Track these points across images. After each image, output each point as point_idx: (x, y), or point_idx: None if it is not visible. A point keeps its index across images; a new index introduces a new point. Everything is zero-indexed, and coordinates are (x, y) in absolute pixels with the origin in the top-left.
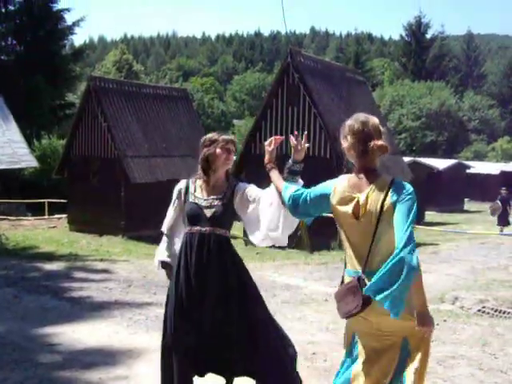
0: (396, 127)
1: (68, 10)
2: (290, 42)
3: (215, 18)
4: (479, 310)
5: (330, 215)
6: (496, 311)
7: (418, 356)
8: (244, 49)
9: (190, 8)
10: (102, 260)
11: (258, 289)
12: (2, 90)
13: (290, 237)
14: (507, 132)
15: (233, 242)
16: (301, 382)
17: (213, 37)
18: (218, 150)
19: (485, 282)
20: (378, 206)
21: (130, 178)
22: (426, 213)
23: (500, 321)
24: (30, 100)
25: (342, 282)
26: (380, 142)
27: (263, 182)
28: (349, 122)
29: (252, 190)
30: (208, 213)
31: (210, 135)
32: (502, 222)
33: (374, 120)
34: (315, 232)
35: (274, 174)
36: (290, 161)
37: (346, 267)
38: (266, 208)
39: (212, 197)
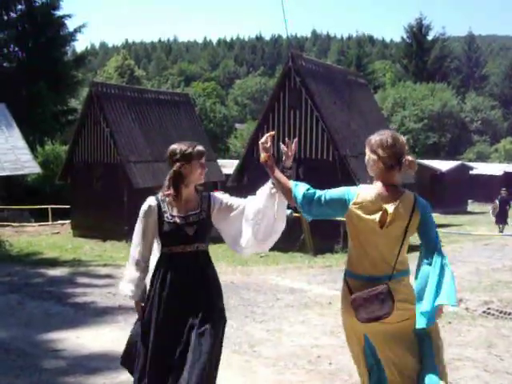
0: (398, 129)
1: (69, 16)
2: (291, 46)
3: (216, 23)
4: (484, 312)
5: (338, 219)
6: (501, 313)
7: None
8: (245, 53)
9: (190, 13)
10: (105, 265)
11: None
12: (5, 97)
13: (293, 240)
14: (510, 133)
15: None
16: None
17: (214, 41)
18: (194, 166)
19: (489, 284)
20: (407, 218)
21: (132, 183)
22: None
23: (505, 322)
24: (32, 106)
25: (347, 285)
26: (411, 158)
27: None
28: (379, 137)
29: (230, 199)
30: (190, 231)
31: (180, 147)
32: (500, 221)
33: (403, 138)
34: (318, 235)
35: (277, 170)
36: (280, 168)
37: (349, 270)
38: (256, 216)
39: (189, 213)
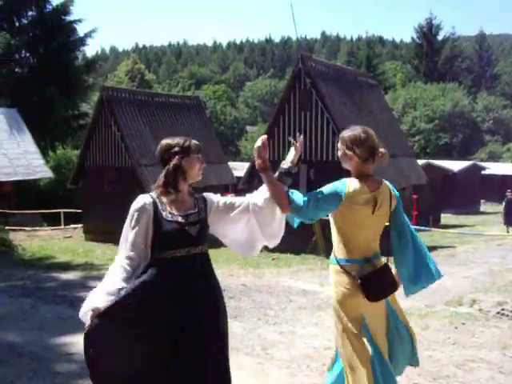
0: (409, 130)
1: (80, 21)
2: (300, 48)
3: (226, 26)
4: (498, 313)
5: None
6: None
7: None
8: (255, 55)
9: (200, 16)
10: None
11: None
12: (17, 102)
13: (305, 242)
14: None
15: None
16: None
17: (224, 44)
18: (193, 160)
19: (503, 284)
20: (389, 203)
21: (144, 187)
22: (442, 215)
23: None
24: (44, 111)
25: (346, 271)
26: (383, 150)
27: None
28: (353, 133)
29: (226, 198)
30: (193, 231)
31: (176, 140)
32: (507, 222)
33: (373, 131)
34: (330, 237)
35: (272, 175)
36: (289, 163)
37: (344, 258)
38: (263, 214)
39: (189, 212)
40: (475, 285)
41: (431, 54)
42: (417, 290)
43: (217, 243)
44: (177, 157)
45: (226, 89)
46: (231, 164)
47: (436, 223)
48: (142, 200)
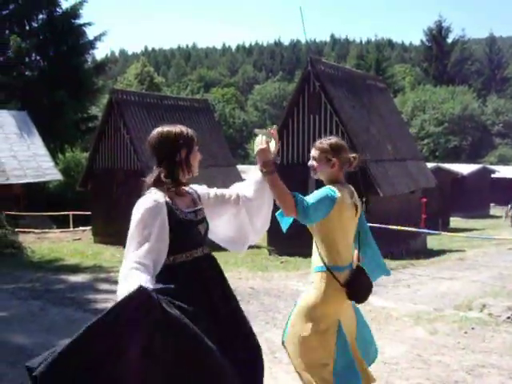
0: (418, 133)
1: (89, 24)
2: (310, 51)
3: (235, 29)
4: (508, 318)
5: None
6: None
7: None
8: (264, 58)
9: (209, 19)
10: None
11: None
12: (27, 105)
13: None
14: None
15: (257, 251)
16: None
17: (233, 47)
18: (196, 152)
19: None
20: (360, 206)
21: None
22: (451, 219)
23: None
24: (53, 114)
25: (336, 279)
26: (355, 155)
27: None
28: (335, 141)
29: (213, 189)
30: (202, 229)
31: (178, 129)
32: None
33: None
34: None
35: (278, 178)
36: (273, 154)
37: (334, 265)
38: (252, 207)
39: (196, 208)
40: (485, 289)
41: (441, 56)
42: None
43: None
44: (185, 149)
45: (235, 92)
46: (240, 167)
47: (445, 227)
48: (153, 198)
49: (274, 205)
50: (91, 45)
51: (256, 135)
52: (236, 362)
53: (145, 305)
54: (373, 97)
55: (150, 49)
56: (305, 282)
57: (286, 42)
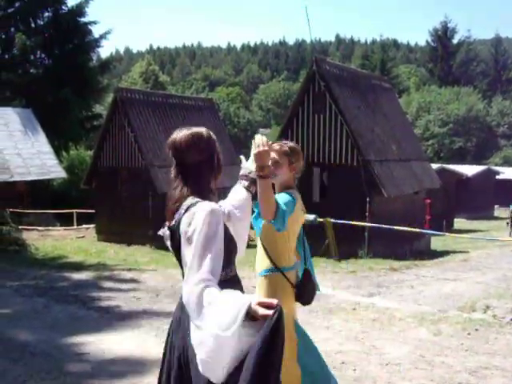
0: (423, 134)
1: (95, 22)
2: (315, 50)
3: (240, 28)
4: None
5: (362, 224)
6: None
7: None
8: (269, 58)
9: (214, 18)
10: (129, 269)
11: None
12: (31, 103)
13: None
14: None
15: None
16: None
17: (238, 46)
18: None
19: None
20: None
21: (157, 188)
22: (455, 220)
23: None
24: (58, 112)
25: (288, 279)
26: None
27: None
28: (295, 146)
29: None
30: None
31: (205, 130)
32: None
33: None
34: (342, 240)
35: (270, 184)
36: (250, 167)
37: (286, 266)
38: (240, 224)
39: None
40: (488, 290)
41: (446, 57)
42: None
43: None
44: (218, 152)
45: (240, 91)
46: None
47: (449, 228)
48: (214, 206)
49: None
50: (96, 43)
51: (256, 133)
52: None
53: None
54: (378, 97)
55: (155, 47)
56: None
57: (290, 41)
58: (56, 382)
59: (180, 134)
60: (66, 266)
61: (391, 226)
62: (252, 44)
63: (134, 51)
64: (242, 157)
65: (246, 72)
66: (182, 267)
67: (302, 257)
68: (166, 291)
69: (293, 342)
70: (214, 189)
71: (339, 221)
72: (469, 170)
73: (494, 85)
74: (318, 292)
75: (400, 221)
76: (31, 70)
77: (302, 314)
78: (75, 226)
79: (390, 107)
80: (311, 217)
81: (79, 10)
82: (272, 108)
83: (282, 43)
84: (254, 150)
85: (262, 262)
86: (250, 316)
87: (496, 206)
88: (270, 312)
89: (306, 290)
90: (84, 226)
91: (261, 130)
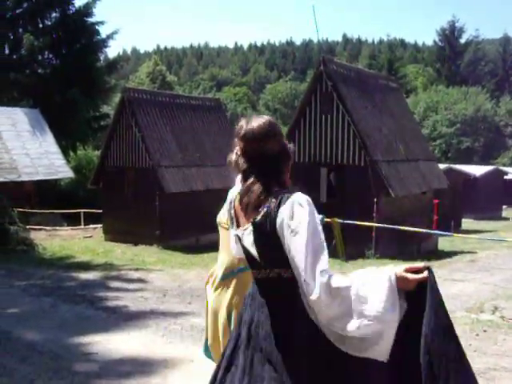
0: (431, 134)
1: (102, 23)
2: (322, 50)
3: (247, 28)
4: None
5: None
6: None
7: None
8: (276, 58)
9: (221, 18)
10: (137, 269)
11: None
12: (39, 103)
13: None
14: None
15: None
16: None
17: (245, 46)
18: None
19: None
20: None
21: (164, 188)
22: (463, 220)
23: None
24: (66, 112)
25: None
26: None
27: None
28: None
29: None
30: None
31: (272, 118)
32: None
33: None
34: (350, 240)
35: None
36: None
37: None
38: None
39: None
40: (497, 291)
41: (453, 57)
42: None
43: None
44: (289, 145)
45: (247, 91)
46: None
47: (457, 228)
48: (308, 197)
49: None
50: (104, 43)
51: None
52: None
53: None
54: (385, 97)
55: (162, 47)
56: None
57: (297, 41)
58: (64, 381)
59: (253, 123)
60: (74, 266)
61: (398, 227)
62: (259, 44)
63: (141, 51)
64: None
65: (253, 72)
66: (253, 262)
67: None
68: (173, 291)
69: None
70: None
71: (346, 221)
72: (476, 170)
73: (502, 84)
74: None
75: (407, 221)
76: (39, 71)
77: None
78: (82, 226)
79: (398, 107)
80: (318, 217)
81: (86, 10)
82: (279, 108)
83: (289, 43)
84: None
85: (230, 262)
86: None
87: (504, 207)
88: (425, 274)
89: None
90: (91, 225)
91: None
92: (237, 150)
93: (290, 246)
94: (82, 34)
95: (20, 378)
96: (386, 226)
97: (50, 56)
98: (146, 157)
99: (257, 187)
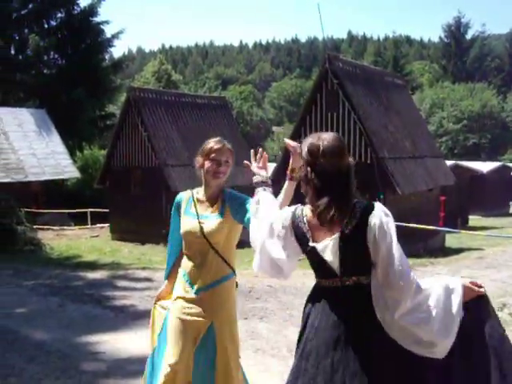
0: (437, 130)
1: (107, 22)
2: (327, 48)
3: (252, 26)
4: None
5: None
6: None
7: None
8: (281, 55)
9: (226, 17)
10: (144, 268)
11: None
12: (45, 103)
13: None
14: None
15: None
16: None
17: (250, 44)
18: None
19: None
20: None
21: (170, 187)
22: (470, 217)
23: None
24: (72, 112)
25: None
26: None
27: None
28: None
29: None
30: None
31: None
32: None
33: None
34: None
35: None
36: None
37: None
38: None
39: None
40: (505, 288)
41: (459, 53)
42: None
43: (242, 243)
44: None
45: (252, 89)
46: None
47: (464, 225)
48: None
49: None
50: (109, 43)
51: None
52: None
53: None
54: (391, 94)
55: (167, 46)
56: None
57: (303, 39)
58: (71, 380)
59: (329, 140)
60: (81, 266)
61: (405, 224)
62: (264, 42)
63: (147, 51)
64: (247, 162)
65: (259, 70)
66: (328, 273)
67: None
68: None
69: (237, 343)
70: None
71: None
72: (483, 166)
73: (509, 80)
74: None
75: (414, 218)
76: (45, 71)
77: None
78: (89, 226)
79: (404, 104)
80: None
81: (91, 10)
82: (285, 106)
83: (295, 41)
84: (292, 150)
85: (218, 270)
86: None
87: (511, 203)
88: (483, 290)
89: None
90: (98, 225)
91: (274, 128)
92: (304, 165)
93: (383, 250)
94: (87, 34)
95: (28, 378)
96: None
97: (56, 56)
98: (152, 156)
99: (339, 201)
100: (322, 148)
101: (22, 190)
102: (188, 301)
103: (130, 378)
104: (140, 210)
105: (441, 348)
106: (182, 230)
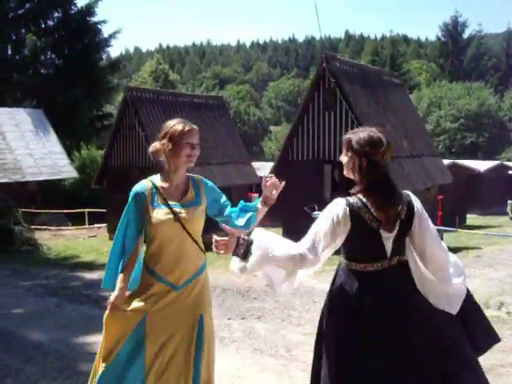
0: (434, 129)
1: (104, 22)
2: (324, 47)
3: (249, 26)
4: None
5: None
6: None
7: None
8: (279, 55)
9: (223, 16)
10: None
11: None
12: (42, 103)
13: None
14: None
15: None
16: None
17: (247, 44)
18: None
19: None
20: None
21: None
22: (468, 216)
23: None
24: (69, 112)
25: None
26: None
27: (302, 187)
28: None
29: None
30: None
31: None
32: None
33: None
34: None
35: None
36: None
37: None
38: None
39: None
40: (502, 287)
41: (456, 52)
42: None
43: None
44: None
45: (250, 89)
46: (255, 164)
47: (462, 224)
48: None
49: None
50: (106, 43)
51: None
52: None
53: None
54: (388, 93)
55: (164, 46)
56: (321, 279)
57: (300, 38)
58: (69, 381)
59: (378, 134)
60: (78, 266)
61: None
62: (261, 41)
63: (144, 50)
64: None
65: (256, 69)
66: (381, 256)
67: None
68: None
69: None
70: None
71: None
72: (481, 165)
73: (506, 79)
74: None
75: None
76: (42, 71)
77: (314, 312)
78: (87, 226)
79: (401, 103)
80: None
81: (88, 10)
82: (282, 105)
83: (292, 40)
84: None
85: (197, 260)
86: None
87: (509, 202)
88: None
89: None
90: (96, 225)
91: (271, 127)
92: (351, 160)
93: (426, 229)
94: (84, 34)
95: (25, 379)
96: None
97: (53, 56)
98: (149, 156)
99: (396, 190)
100: (384, 141)
101: (19, 190)
102: (171, 301)
103: None
104: None
105: (457, 306)
106: (156, 223)
